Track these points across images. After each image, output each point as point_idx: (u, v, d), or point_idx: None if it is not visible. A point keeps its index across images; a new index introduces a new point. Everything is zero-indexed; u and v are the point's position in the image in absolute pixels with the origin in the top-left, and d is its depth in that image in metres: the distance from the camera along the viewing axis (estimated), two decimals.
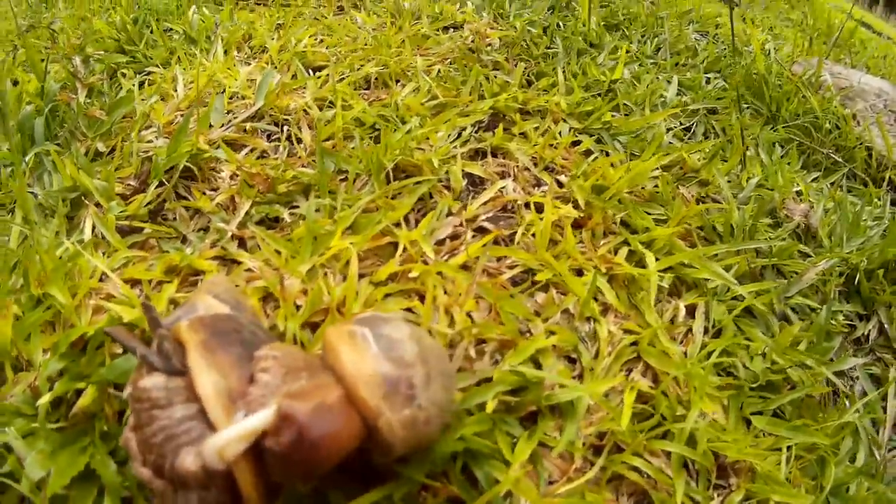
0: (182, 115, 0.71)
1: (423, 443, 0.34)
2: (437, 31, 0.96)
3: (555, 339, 0.49)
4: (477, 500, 0.39)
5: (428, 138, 0.70)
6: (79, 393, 0.42)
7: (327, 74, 0.80)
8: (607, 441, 0.46)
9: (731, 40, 1.02)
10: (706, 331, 0.58)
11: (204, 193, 0.61)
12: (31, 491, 0.37)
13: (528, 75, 0.89)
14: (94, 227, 0.56)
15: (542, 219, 0.60)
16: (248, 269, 0.52)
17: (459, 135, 0.72)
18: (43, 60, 0.74)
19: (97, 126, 0.66)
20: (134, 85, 0.79)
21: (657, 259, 0.60)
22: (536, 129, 0.76)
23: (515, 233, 0.61)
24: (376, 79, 0.82)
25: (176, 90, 0.77)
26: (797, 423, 0.52)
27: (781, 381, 0.56)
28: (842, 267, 0.71)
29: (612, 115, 0.81)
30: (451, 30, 0.98)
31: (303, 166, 0.65)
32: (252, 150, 0.68)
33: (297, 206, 0.59)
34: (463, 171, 0.66)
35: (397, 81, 0.81)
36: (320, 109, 0.73)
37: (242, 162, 0.62)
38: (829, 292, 0.68)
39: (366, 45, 0.89)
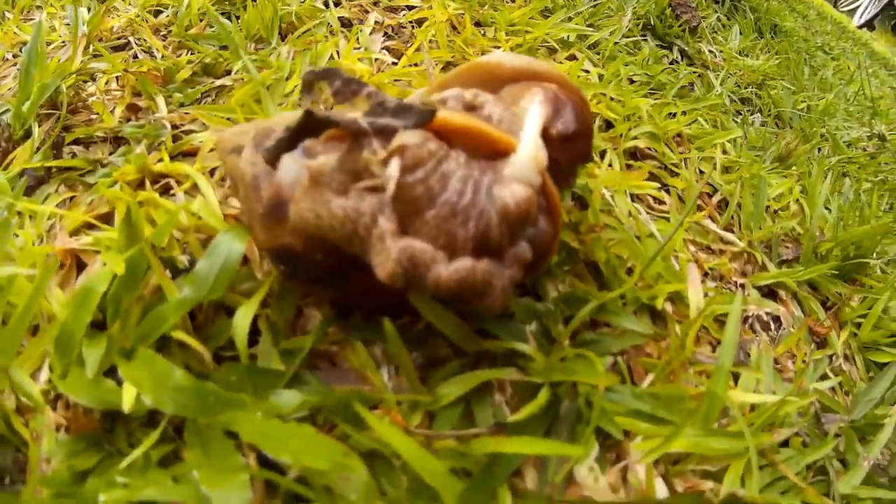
0: None
1: None
2: None
3: None
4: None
5: None
6: None
7: None
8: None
9: None
10: (594, 65, 0.70)
11: (91, 122, 0.51)
12: None
13: None
14: None
15: (434, 21, 0.65)
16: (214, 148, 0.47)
17: None
18: None
19: None
20: None
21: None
22: None
23: (411, 44, 0.64)
24: None
25: None
26: (689, 102, 0.68)
27: (657, 83, 0.71)
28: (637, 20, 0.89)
29: None
30: None
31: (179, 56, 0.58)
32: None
33: (213, 83, 0.54)
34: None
35: None
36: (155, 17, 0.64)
37: (128, 65, 0.53)
38: (636, 34, 0.86)
39: None
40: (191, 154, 0.45)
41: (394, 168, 0.22)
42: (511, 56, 0.32)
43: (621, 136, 0.57)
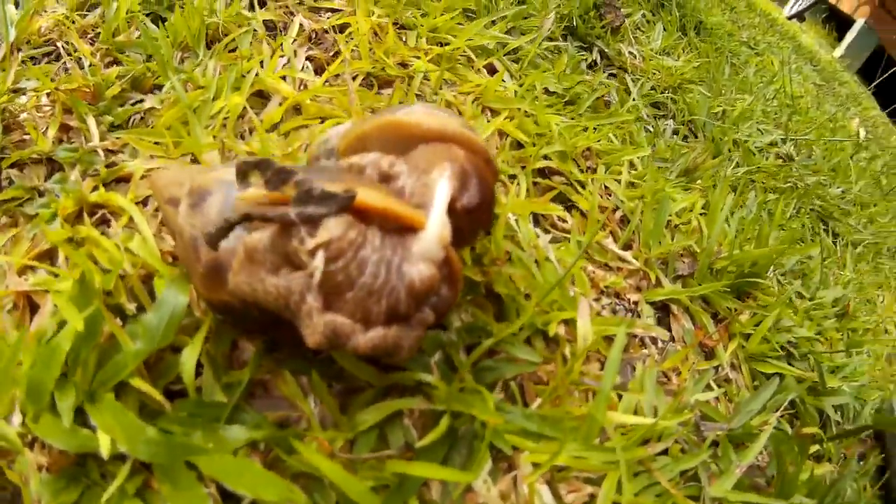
0: None
1: None
2: None
3: None
4: None
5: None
6: None
7: None
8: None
9: None
10: (511, 76, 0.78)
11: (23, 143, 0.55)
12: None
13: None
14: None
15: (357, 29, 0.71)
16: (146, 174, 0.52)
17: None
18: None
19: None
20: None
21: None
22: None
23: (339, 53, 0.70)
24: None
25: None
26: (600, 117, 0.77)
27: (573, 95, 0.80)
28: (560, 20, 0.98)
29: None
30: None
31: (107, 67, 0.62)
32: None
33: (142, 101, 0.58)
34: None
35: None
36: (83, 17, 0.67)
37: (58, 81, 0.56)
38: (558, 36, 0.95)
39: None
40: (124, 180, 0.51)
41: (319, 260, 0.29)
42: (428, 116, 0.39)
43: (531, 156, 0.65)
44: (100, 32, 0.65)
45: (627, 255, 0.62)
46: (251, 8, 0.74)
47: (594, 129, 0.74)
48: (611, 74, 1.00)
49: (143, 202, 0.49)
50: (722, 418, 0.54)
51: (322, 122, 0.59)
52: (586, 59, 0.98)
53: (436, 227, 0.31)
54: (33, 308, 0.40)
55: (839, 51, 5.56)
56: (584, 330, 0.47)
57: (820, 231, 1.09)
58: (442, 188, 0.33)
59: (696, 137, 0.99)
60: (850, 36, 5.79)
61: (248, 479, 0.29)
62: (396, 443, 0.36)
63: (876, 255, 1.23)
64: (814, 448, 0.60)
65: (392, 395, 0.39)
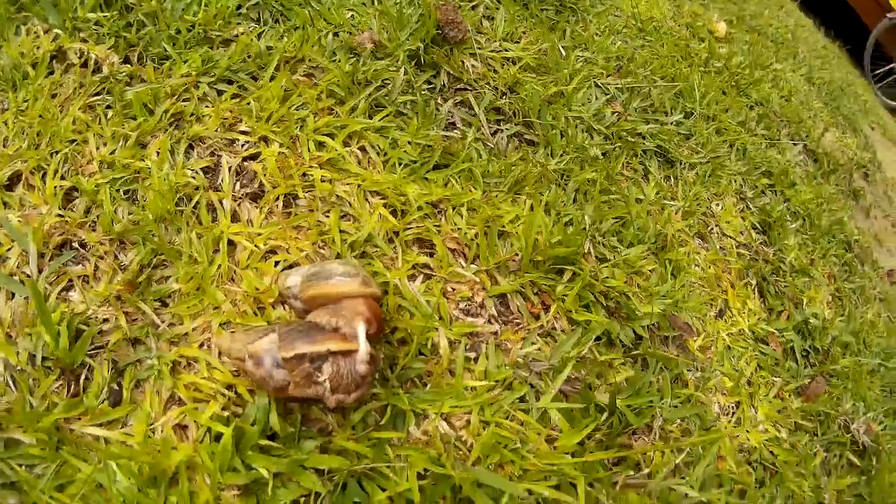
0: None
1: None
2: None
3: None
4: None
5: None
6: None
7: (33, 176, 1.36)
8: None
9: None
10: (378, 153, 1.47)
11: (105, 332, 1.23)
12: None
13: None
14: None
15: (266, 163, 1.39)
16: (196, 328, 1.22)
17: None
18: None
19: None
20: None
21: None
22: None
23: (262, 184, 1.38)
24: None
25: None
26: (444, 172, 1.48)
27: (425, 155, 1.50)
28: (410, 58, 1.64)
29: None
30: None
31: (118, 251, 1.29)
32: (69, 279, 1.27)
33: (168, 279, 1.26)
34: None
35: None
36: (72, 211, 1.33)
37: (114, 288, 1.24)
38: (411, 75, 1.62)
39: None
40: (185, 334, 1.21)
41: (326, 381, 1.03)
42: (343, 283, 1.11)
43: (401, 227, 1.36)
44: (95, 222, 1.32)
45: (471, 270, 1.35)
46: (186, 154, 1.41)
47: (445, 183, 1.45)
48: (458, 90, 1.67)
49: (201, 344, 1.19)
50: (545, 358, 1.30)
51: (272, 252, 1.29)
52: (435, 86, 1.65)
53: (363, 349, 1.05)
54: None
55: None
56: (444, 342, 1.22)
57: (651, 170, 1.82)
58: (361, 329, 1.06)
59: (532, 129, 1.69)
60: None
61: (319, 461, 1.04)
62: (371, 424, 1.11)
63: (716, 169, 1.98)
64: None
65: (360, 407, 1.13)
